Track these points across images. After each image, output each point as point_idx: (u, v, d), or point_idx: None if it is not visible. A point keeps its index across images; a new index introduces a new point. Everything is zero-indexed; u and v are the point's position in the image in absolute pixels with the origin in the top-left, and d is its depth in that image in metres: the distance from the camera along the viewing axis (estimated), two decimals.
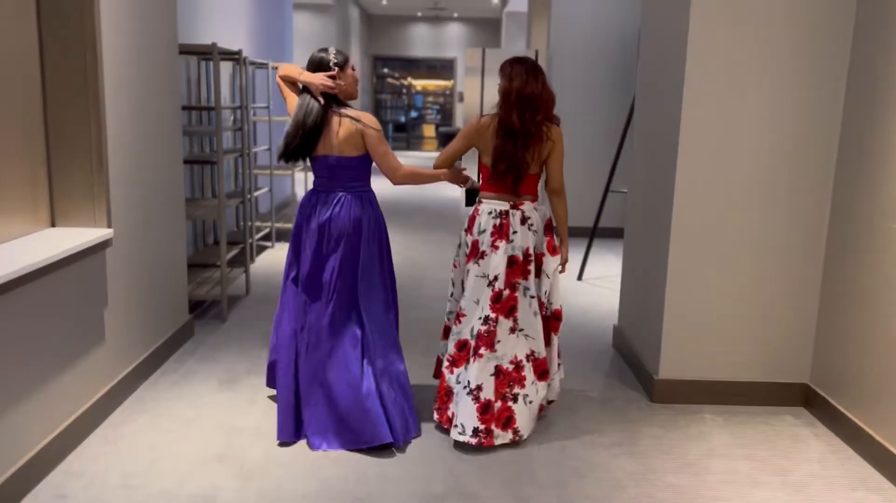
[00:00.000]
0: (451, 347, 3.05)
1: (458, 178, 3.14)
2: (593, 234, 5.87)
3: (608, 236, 6.81)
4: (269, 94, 6.47)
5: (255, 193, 6.25)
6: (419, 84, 20.65)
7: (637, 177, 4.03)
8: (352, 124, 2.89)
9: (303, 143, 2.89)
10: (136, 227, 3.42)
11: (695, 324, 3.41)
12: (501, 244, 2.95)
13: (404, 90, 20.37)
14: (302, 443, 2.96)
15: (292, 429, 2.96)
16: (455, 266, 3.18)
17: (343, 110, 2.92)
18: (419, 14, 17.33)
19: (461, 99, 17.60)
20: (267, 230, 6.65)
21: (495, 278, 2.94)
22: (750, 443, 3.10)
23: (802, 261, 3.34)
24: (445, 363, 3.08)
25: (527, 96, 2.88)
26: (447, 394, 3.04)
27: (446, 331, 3.20)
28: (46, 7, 2.87)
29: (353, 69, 2.98)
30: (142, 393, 3.40)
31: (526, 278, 2.99)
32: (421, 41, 17.97)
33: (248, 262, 5.10)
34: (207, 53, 4.55)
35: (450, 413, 3.02)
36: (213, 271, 4.96)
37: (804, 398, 3.42)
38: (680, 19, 3.28)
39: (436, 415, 3.09)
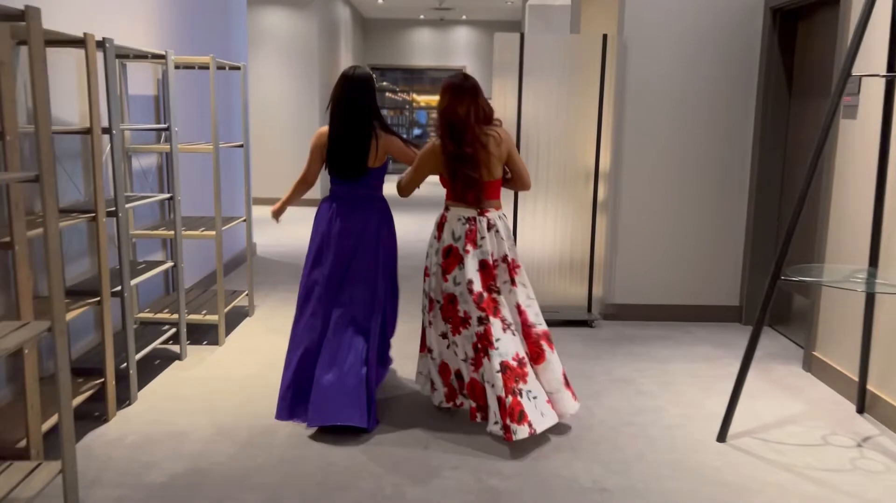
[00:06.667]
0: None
1: None
2: (746, 367, 3.12)
3: (717, 319, 4.22)
4: (168, 108, 3.87)
5: (145, 276, 3.65)
6: (423, 99, 18.26)
7: None
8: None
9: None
10: None
11: None
12: (471, 249, 3.10)
13: (406, 106, 17.99)
14: None
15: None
16: (428, 276, 3.24)
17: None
18: (421, 17, 14.82)
19: None
20: (172, 330, 4.03)
21: (470, 282, 3.08)
22: None
23: None
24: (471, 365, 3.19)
25: (454, 121, 3.01)
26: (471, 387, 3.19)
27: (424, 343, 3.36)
28: None
29: None
30: None
31: (496, 282, 3.12)
32: (424, 49, 15.42)
33: (64, 444, 2.43)
34: None
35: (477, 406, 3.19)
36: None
37: None
38: None
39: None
